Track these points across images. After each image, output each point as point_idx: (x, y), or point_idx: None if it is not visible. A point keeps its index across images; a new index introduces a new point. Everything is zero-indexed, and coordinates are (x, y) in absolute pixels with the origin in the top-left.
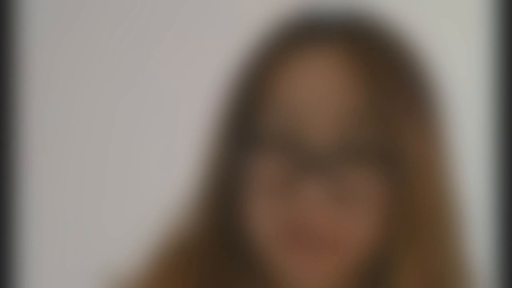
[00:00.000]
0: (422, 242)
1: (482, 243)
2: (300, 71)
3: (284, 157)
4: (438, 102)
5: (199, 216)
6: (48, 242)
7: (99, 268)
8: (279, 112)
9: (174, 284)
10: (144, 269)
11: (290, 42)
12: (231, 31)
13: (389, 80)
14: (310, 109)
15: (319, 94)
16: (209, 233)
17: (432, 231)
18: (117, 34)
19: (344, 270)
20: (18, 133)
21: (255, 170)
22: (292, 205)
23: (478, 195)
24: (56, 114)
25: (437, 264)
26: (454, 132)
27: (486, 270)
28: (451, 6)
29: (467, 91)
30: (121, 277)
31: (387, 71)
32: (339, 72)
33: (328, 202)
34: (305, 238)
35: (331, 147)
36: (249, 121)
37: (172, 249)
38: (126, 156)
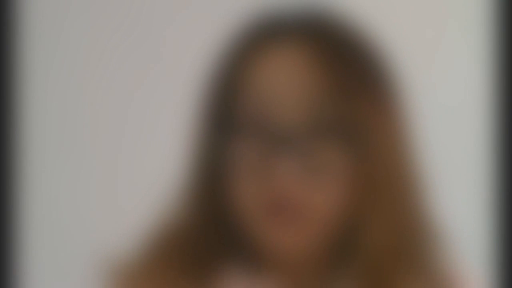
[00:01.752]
0: (385, 207)
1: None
2: (270, 63)
3: (260, 139)
4: (394, 83)
5: (188, 201)
6: (41, 231)
7: (93, 256)
8: (254, 99)
9: (168, 268)
10: (138, 256)
11: (261, 38)
12: (208, 29)
13: (347, 66)
14: (280, 95)
15: (288, 82)
16: (199, 217)
17: (394, 196)
18: (107, 32)
19: (318, 237)
20: (16, 131)
21: (236, 153)
22: (269, 181)
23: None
24: (52, 111)
25: (400, 225)
26: (410, 108)
27: (452, 229)
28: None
29: (422, 73)
30: (115, 265)
31: (345, 58)
32: (304, 61)
33: (301, 176)
34: (282, 209)
35: (300, 127)
36: (228, 109)
37: (164, 235)
38: (117, 147)
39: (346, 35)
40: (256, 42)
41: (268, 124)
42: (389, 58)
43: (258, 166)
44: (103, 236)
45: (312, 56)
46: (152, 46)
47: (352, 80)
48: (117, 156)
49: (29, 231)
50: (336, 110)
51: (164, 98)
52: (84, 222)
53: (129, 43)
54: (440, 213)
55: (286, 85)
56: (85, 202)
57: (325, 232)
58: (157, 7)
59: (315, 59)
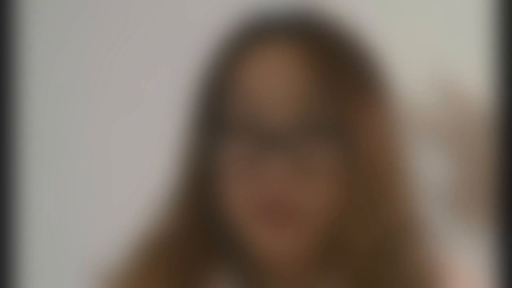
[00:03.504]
0: (373, 207)
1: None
2: (260, 63)
3: (250, 140)
4: (383, 83)
5: (177, 204)
6: (36, 235)
7: (86, 261)
8: (243, 100)
9: (158, 273)
10: (128, 261)
11: (251, 38)
12: (198, 30)
13: (337, 66)
14: (270, 94)
15: (277, 82)
16: (188, 220)
17: (383, 197)
18: (97, 34)
19: (308, 238)
20: (14, 133)
21: (226, 155)
22: (259, 182)
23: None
24: (52, 114)
25: (389, 225)
26: (399, 108)
27: (438, 230)
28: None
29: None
30: (107, 270)
31: (333, 58)
32: (294, 61)
33: (291, 177)
34: (272, 211)
35: (290, 127)
36: (217, 110)
37: (154, 239)
38: (109, 151)
39: (336, 35)
40: (246, 43)
41: (258, 125)
42: (379, 58)
43: (248, 168)
44: (97, 241)
45: (301, 56)
46: (142, 47)
47: (341, 80)
48: (111, 159)
49: (24, 235)
50: (326, 110)
51: (154, 100)
52: (78, 227)
53: (119, 45)
54: (429, 213)
55: (276, 85)
56: (79, 207)
57: (315, 234)
58: (146, 8)
59: (305, 59)
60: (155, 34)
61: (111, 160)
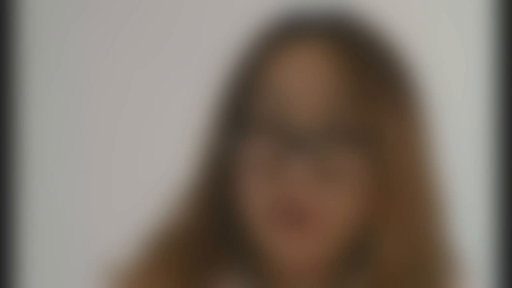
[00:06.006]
0: (400, 219)
1: (464, 225)
2: (289, 62)
3: (273, 139)
4: (417, 90)
5: (193, 202)
6: (43, 238)
7: (94, 259)
8: (269, 99)
9: (168, 272)
10: (138, 259)
11: (280, 37)
12: (227, 26)
13: (367, 69)
14: (297, 95)
15: (305, 82)
16: (203, 219)
17: (410, 208)
18: (114, 29)
19: (329, 246)
20: (17, 133)
21: (247, 153)
22: (280, 184)
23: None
24: (54, 111)
25: (414, 239)
26: (433, 118)
27: (468, 249)
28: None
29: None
30: (116, 268)
31: (365, 61)
32: (323, 62)
33: (314, 181)
34: (292, 214)
35: (316, 129)
36: (242, 107)
37: (166, 237)
38: (122, 147)
39: (370, 38)
40: (278, 41)
41: (283, 125)
42: (414, 66)
43: (269, 168)
44: (105, 239)
45: (334, 57)
46: (166, 39)
47: (373, 84)
48: (121, 156)
49: (29, 234)
50: (355, 114)
51: (176, 94)
52: (85, 225)
53: (143, 38)
54: (455, 231)
55: (306, 86)
56: (86, 204)
57: (335, 241)
58: (177, 1)
59: (337, 60)
60: (185, 26)
61: (122, 156)
